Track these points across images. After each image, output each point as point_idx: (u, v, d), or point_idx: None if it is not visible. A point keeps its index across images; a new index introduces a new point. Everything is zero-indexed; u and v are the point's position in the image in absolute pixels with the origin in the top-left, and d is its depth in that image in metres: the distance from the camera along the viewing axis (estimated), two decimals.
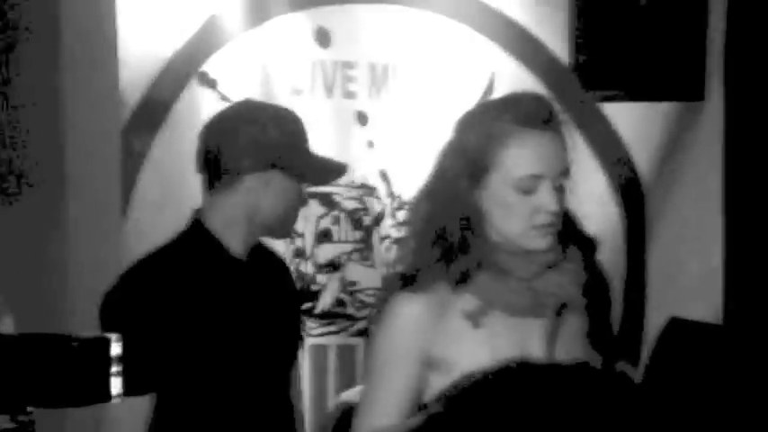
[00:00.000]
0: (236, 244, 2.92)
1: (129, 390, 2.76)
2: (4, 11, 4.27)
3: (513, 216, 2.41)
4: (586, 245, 2.54)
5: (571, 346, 2.45)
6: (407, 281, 2.46)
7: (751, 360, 4.01)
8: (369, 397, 2.47)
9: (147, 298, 2.83)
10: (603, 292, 2.58)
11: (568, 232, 2.51)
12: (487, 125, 2.44)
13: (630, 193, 4.72)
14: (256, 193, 2.90)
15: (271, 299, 3.04)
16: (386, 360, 2.45)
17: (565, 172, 2.44)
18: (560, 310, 2.45)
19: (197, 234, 2.93)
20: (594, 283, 2.51)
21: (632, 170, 4.72)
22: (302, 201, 3.07)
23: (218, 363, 2.88)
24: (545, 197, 2.41)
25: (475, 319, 2.41)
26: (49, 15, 4.15)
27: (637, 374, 2.74)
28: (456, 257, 2.43)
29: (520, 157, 2.41)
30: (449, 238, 2.44)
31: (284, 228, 3.05)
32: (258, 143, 2.88)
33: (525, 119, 2.42)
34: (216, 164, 2.92)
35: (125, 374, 2.78)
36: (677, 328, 4.26)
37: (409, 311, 2.44)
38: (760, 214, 4.76)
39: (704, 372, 3.95)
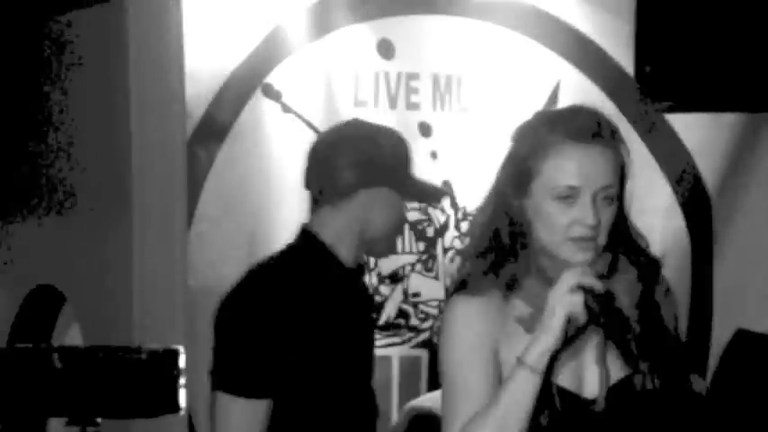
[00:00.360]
0: (347, 256, 2.97)
1: (247, 392, 2.80)
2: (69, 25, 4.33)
3: (552, 227, 2.44)
4: (646, 263, 2.53)
5: (619, 353, 2.46)
6: (462, 285, 2.49)
7: None
8: (451, 406, 2.46)
9: (265, 305, 2.88)
10: (663, 307, 2.57)
11: (626, 248, 2.50)
12: (535, 135, 2.48)
13: (696, 205, 4.68)
14: (368, 208, 2.96)
15: (370, 308, 3.22)
16: (460, 362, 2.46)
17: (608, 187, 2.45)
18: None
19: (311, 246, 2.98)
20: (649, 298, 2.50)
21: (698, 182, 4.68)
22: (405, 219, 3.16)
23: (332, 369, 2.95)
24: (583, 210, 2.42)
25: (527, 324, 2.43)
26: (116, 29, 4.20)
27: (705, 385, 2.72)
28: (505, 264, 2.46)
29: (559, 167, 2.44)
30: (499, 245, 2.47)
31: (390, 244, 3.13)
32: (373, 160, 2.95)
33: (572, 131, 2.45)
34: (329, 179, 2.96)
35: (242, 378, 2.82)
36: (743, 339, 4.22)
37: (470, 310, 2.47)
38: None
39: None
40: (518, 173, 2.48)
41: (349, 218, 2.96)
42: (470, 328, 2.46)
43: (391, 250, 3.29)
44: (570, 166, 2.44)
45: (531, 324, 2.43)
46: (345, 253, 2.97)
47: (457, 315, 2.48)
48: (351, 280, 3.01)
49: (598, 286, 2.39)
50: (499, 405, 2.38)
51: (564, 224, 2.42)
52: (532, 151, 2.47)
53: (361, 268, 3.09)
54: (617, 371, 2.46)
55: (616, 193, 2.46)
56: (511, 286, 2.46)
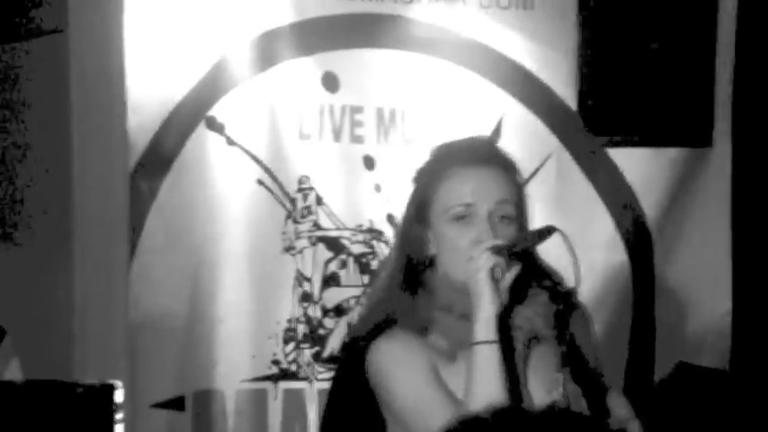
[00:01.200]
0: None
1: None
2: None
3: (453, 251, 2.49)
4: (555, 287, 2.57)
5: (543, 377, 2.49)
6: (377, 331, 2.52)
7: (756, 406, 3.99)
8: (422, 427, 2.46)
9: None
10: (580, 326, 2.61)
11: (534, 272, 2.55)
12: (431, 167, 2.60)
13: (638, 239, 4.71)
14: None
15: None
16: (415, 386, 2.47)
17: (503, 202, 2.50)
18: (529, 342, 2.49)
19: None
20: (564, 317, 2.53)
21: (640, 216, 4.72)
22: None
23: None
24: (480, 227, 2.46)
25: (447, 354, 2.46)
26: (58, 61, 4.17)
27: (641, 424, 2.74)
28: (414, 306, 2.50)
29: (453, 188, 2.52)
30: (405, 290, 2.51)
31: None
32: None
33: (465, 157, 2.53)
34: None
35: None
36: (684, 372, 4.25)
37: (399, 344, 2.52)
38: None
39: (709, 417, 3.93)
40: (417, 206, 2.55)
41: None
42: (410, 356, 2.48)
43: None
44: (463, 186, 2.52)
45: (452, 354, 2.45)
46: None
47: (391, 351, 2.50)
48: None
49: (501, 243, 2.45)
50: (474, 389, 2.39)
51: (464, 246, 2.46)
52: (429, 182, 2.57)
53: None
54: (543, 396, 2.48)
55: (515, 214, 2.50)
56: (424, 329, 2.51)
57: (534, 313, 2.52)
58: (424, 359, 2.48)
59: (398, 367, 2.51)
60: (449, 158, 2.56)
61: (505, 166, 2.55)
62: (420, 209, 2.56)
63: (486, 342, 2.39)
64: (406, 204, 2.61)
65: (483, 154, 2.55)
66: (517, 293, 2.51)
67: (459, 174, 2.52)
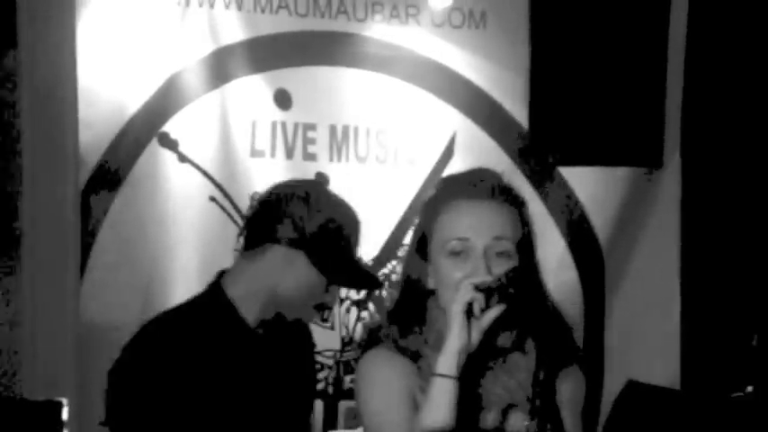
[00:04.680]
0: (252, 314, 2.90)
1: None
2: None
3: (449, 285, 2.44)
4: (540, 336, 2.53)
5: None
6: (374, 340, 2.52)
7: (706, 425, 4.02)
8: None
9: (157, 361, 2.80)
10: (569, 387, 2.57)
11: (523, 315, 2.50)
12: (433, 200, 2.54)
13: (589, 258, 4.74)
14: (278, 268, 2.88)
15: (281, 372, 3.01)
16: (385, 406, 2.47)
17: (500, 239, 2.45)
18: (505, 409, 2.46)
19: (216, 301, 2.92)
20: (546, 385, 2.50)
21: (591, 235, 4.75)
22: (325, 295, 2.96)
23: (224, 429, 2.86)
24: (475, 263, 2.43)
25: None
26: (8, 76, 4.14)
27: None
28: (409, 336, 2.49)
29: (451, 221, 2.47)
30: (405, 318, 2.50)
31: (300, 312, 2.97)
32: (294, 221, 2.86)
33: (465, 190, 2.49)
34: (247, 228, 2.92)
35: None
36: (634, 391, 4.27)
37: (387, 361, 2.50)
38: (716, 279, 4.79)
39: None
40: (418, 239, 2.52)
41: (258, 273, 2.88)
42: (389, 375, 2.48)
43: (308, 318, 3.06)
44: (460, 220, 2.47)
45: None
46: (251, 309, 2.89)
47: (376, 364, 2.50)
48: (253, 339, 2.91)
49: (488, 280, 2.39)
50: (423, 414, 2.39)
51: (458, 279, 2.43)
52: (429, 215, 2.51)
53: (280, 325, 2.96)
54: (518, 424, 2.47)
55: (513, 251, 2.46)
56: (415, 358, 2.48)
57: (516, 382, 2.46)
58: (404, 382, 2.47)
59: (376, 383, 2.50)
60: (450, 191, 2.51)
61: (509, 200, 2.48)
62: (421, 242, 2.53)
63: (443, 375, 2.38)
64: (410, 238, 2.60)
65: (485, 188, 2.48)
66: (497, 340, 2.44)
67: (458, 207, 2.47)
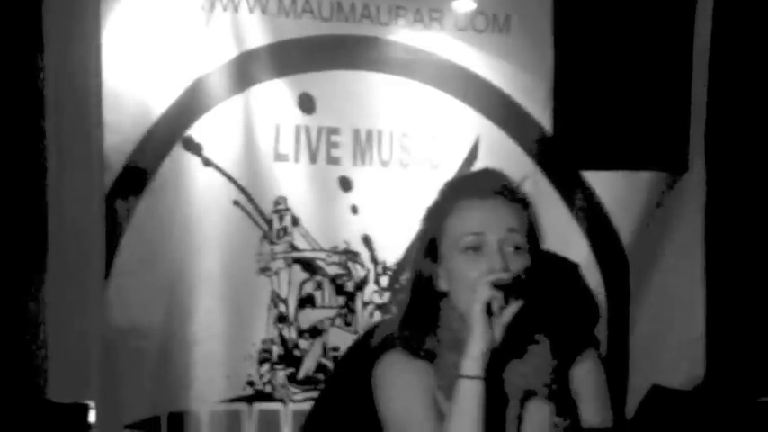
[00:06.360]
0: None
1: None
2: None
3: (463, 283, 2.45)
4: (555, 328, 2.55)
5: None
6: (390, 343, 2.52)
7: (731, 429, 4.01)
8: None
9: None
10: (588, 376, 2.58)
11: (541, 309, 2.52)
12: (437, 204, 2.57)
13: (613, 262, 4.72)
14: None
15: None
16: (406, 406, 2.48)
17: (513, 231, 2.47)
18: (524, 397, 2.47)
19: None
20: (562, 372, 2.51)
21: (615, 239, 4.73)
22: None
23: None
24: (490, 258, 2.44)
25: (445, 391, 2.45)
26: (34, 81, 4.16)
27: None
28: (425, 339, 2.50)
29: (462, 219, 2.50)
30: (417, 322, 2.50)
31: None
32: None
33: (473, 190, 2.51)
34: None
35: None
36: (658, 395, 4.26)
37: (406, 362, 2.52)
38: (740, 283, 4.77)
39: None
40: (427, 242, 2.53)
41: None
42: (411, 375, 2.49)
43: None
44: (472, 217, 2.49)
45: (448, 392, 2.45)
46: None
47: (394, 365, 2.51)
48: None
49: (505, 276, 2.41)
50: (451, 418, 2.39)
51: (473, 278, 2.44)
52: (436, 218, 2.54)
53: None
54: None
55: (525, 245, 2.48)
56: (431, 358, 2.51)
57: (532, 368, 2.47)
58: (424, 384, 2.48)
59: (396, 387, 2.51)
60: (455, 193, 2.54)
61: (514, 198, 2.51)
62: (430, 246, 2.54)
63: (470, 377, 2.39)
64: (415, 242, 2.60)
65: (489, 186, 2.51)
66: (515, 334, 2.45)
67: (466, 206, 2.49)
